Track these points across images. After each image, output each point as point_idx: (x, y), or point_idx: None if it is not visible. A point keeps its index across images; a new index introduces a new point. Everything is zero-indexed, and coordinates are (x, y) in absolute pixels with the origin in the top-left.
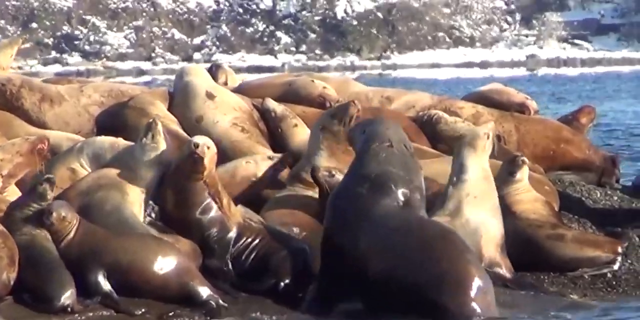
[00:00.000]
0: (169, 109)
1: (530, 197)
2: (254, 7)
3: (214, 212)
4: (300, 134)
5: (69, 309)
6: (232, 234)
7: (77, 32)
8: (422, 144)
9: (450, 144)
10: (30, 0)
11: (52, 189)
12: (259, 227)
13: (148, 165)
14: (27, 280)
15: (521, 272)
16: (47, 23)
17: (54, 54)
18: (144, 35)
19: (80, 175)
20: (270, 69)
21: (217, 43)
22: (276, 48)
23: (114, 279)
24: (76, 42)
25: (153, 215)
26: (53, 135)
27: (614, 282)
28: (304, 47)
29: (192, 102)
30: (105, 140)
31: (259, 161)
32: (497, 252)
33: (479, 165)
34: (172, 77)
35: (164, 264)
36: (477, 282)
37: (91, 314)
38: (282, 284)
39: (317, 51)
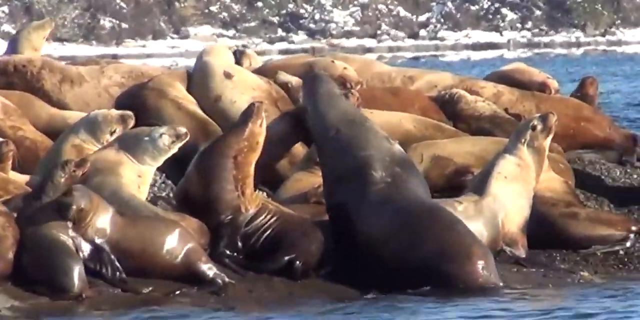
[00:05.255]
0: (188, 90)
1: (546, 175)
2: None
3: (232, 194)
4: None
5: (82, 296)
6: (246, 216)
7: (302, 11)
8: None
9: (470, 123)
10: None
11: (65, 172)
12: (275, 209)
13: (150, 157)
14: (33, 266)
15: (535, 249)
16: (273, 2)
17: (279, 32)
18: (370, 13)
19: (85, 151)
20: (495, 46)
21: (442, 20)
22: (501, 25)
23: (126, 262)
24: (301, 21)
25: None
26: (73, 116)
27: (626, 259)
28: (529, 24)
29: (210, 81)
30: (99, 113)
31: None
32: (516, 231)
33: (517, 154)
34: (398, 54)
35: (172, 247)
36: (473, 250)
37: (98, 294)
38: (297, 262)
39: (543, 27)
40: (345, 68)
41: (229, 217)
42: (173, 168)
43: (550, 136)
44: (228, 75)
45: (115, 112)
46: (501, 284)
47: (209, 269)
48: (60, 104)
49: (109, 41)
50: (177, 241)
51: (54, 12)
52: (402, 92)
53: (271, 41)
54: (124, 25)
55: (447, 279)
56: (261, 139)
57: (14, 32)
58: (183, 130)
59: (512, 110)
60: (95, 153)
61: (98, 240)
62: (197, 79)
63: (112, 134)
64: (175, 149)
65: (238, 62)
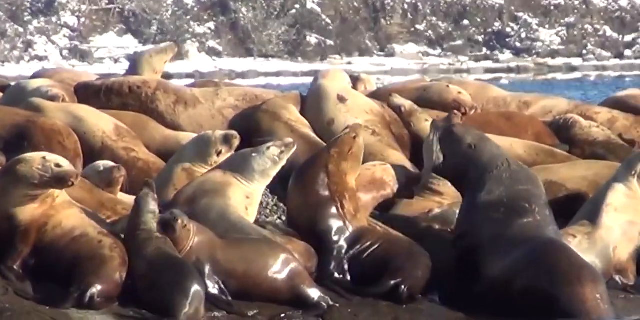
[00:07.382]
0: (302, 113)
1: None
2: None
3: (329, 205)
4: None
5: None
6: (351, 236)
7: (508, 29)
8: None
9: (584, 148)
10: None
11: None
12: (382, 231)
13: (259, 174)
14: (143, 288)
15: None
16: (479, 20)
17: (484, 50)
18: (575, 33)
19: (196, 173)
20: None
21: None
22: None
23: (230, 284)
24: (507, 39)
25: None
26: (187, 138)
27: None
28: None
29: (324, 105)
30: (203, 134)
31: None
32: (627, 259)
33: (627, 185)
34: (604, 74)
35: (276, 269)
36: (584, 273)
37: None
38: (402, 286)
39: None
40: (459, 92)
41: (334, 235)
42: (285, 190)
43: None
44: (342, 99)
45: (219, 133)
46: (611, 312)
47: (313, 293)
48: (174, 126)
49: (314, 58)
50: (280, 263)
51: (259, 28)
52: (516, 117)
53: (476, 59)
54: (329, 42)
55: (555, 303)
56: (355, 150)
57: (220, 48)
58: (289, 139)
59: (626, 135)
60: (203, 175)
61: (201, 262)
62: (311, 102)
63: (218, 155)
64: (284, 161)
65: (353, 87)
